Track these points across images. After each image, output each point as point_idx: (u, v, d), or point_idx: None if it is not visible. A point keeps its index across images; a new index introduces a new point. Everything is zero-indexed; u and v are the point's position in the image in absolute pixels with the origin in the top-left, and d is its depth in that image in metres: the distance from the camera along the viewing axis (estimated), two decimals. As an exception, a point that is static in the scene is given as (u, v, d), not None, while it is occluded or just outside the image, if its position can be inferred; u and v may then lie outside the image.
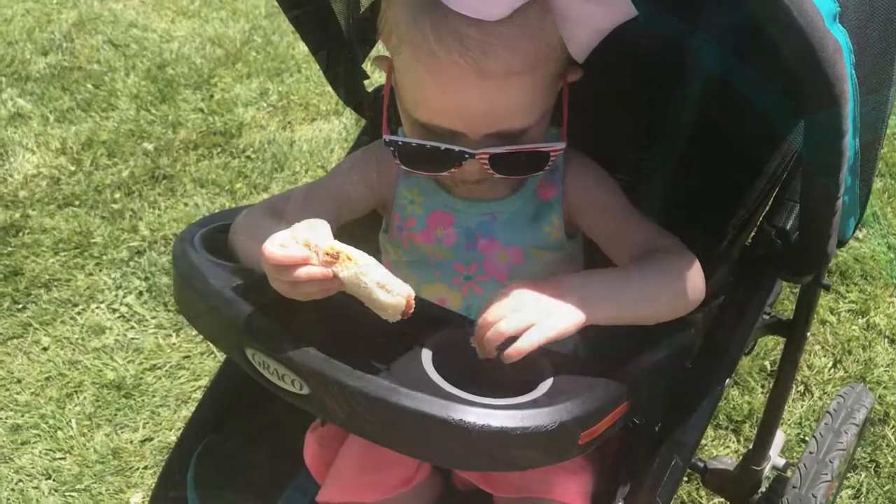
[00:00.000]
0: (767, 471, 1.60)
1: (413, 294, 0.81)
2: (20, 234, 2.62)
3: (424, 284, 1.06)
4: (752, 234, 1.10)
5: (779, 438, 1.61)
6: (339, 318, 0.84)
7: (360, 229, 1.12)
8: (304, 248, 0.80)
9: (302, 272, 0.80)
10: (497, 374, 0.83)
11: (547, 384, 0.83)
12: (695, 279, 0.96)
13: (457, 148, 0.95)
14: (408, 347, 0.85)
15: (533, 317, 0.83)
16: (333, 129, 3.04)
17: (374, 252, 0.90)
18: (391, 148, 0.99)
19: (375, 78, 1.38)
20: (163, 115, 3.08)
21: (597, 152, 1.08)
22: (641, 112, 1.13)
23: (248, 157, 2.91)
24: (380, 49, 1.19)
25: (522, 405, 0.79)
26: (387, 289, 0.79)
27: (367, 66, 1.32)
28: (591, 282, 0.92)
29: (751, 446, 1.58)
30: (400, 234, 1.10)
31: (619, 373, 0.88)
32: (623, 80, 1.10)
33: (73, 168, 2.87)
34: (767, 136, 1.08)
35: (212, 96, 3.19)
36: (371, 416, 0.79)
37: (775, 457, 1.62)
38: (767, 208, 1.07)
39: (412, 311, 0.81)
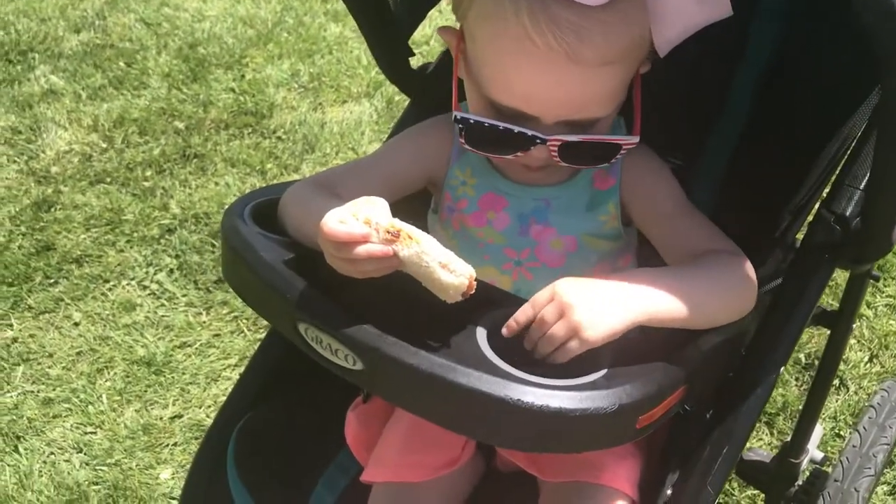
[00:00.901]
0: (805, 464, 1.57)
1: (474, 274, 0.79)
2: (52, 209, 2.63)
3: (474, 268, 1.04)
4: (809, 220, 1.08)
5: (817, 432, 1.58)
6: (394, 294, 0.83)
7: (407, 208, 1.11)
8: (365, 225, 0.79)
9: (362, 250, 0.78)
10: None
11: (605, 367, 0.81)
12: (751, 288, 0.94)
13: (529, 132, 0.92)
14: (463, 326, 0.84)
15: (580, 320, 0.81)
16: (364, 111, 3.02)
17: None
18: (459, 126, 0.96)
19: (425, 51, 1.36)
20: (194, 95, 3.08)
21: (650, 132, 1.06)
22: (698, 92, 1.10)
23: (279, 138, 2.91)
24: (437, 19, 1.17)
25: (582, 386, 0.77)
26: (449, 268, 0.78)
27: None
28: (646, 279, 0.88)
29: (788, 438, 1.56)
30: (450, 216, 1.08)
31: (677, 357, 0.86)
32: (681, 59, 1.07)
33: (104, 145, 2.87)
34: (826, 119, 1.06)
35: (243, 76, 3.18)
36: (426, 394, 0.77)
37: (813, 450, 1.60)
38: (825, 194, 1.04)
39: (473, 292, 0.79)
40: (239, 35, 3.38)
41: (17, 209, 2.62)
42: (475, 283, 0.80)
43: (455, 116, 0.96)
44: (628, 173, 1.04)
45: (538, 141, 0.93)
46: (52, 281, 2.41)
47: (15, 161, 2.83)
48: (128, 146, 2.87)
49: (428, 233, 0.81)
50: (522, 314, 0.85)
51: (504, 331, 0.84)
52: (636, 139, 0.96)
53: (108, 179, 2.74)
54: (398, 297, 0.83)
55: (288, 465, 1.14)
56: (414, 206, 1.12)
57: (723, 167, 1.16)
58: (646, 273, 0.91)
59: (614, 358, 0.82)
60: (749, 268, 0.94)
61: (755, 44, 1.06)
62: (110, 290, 2.39)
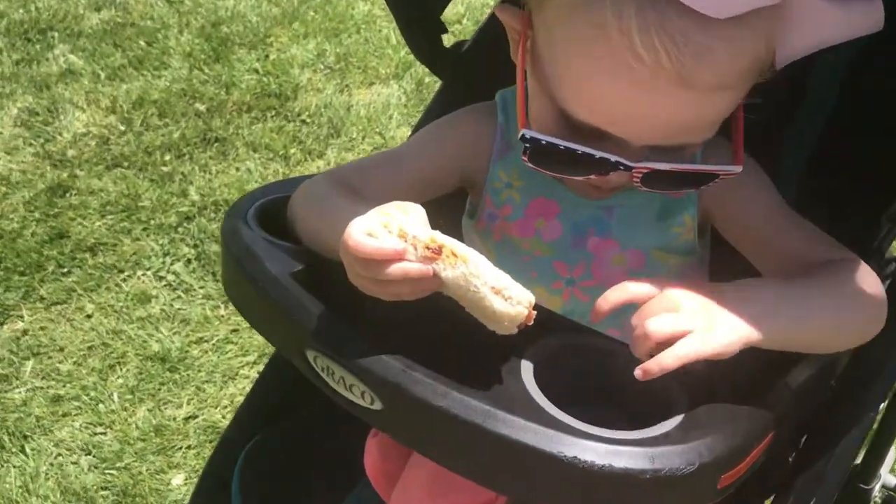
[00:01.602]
0: (877, 490, 1.42)
1: (534, 301, 0.65)
2: (67, 194, 2.52)
3: None
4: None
5: (891, 455, 1.43)
6: (424, 318, 0.68)
7: (435, 210, 0.97)
8: (399, 239, 0.64)
9: (396, 269, 0.64)
10: (618, 397, 0.67)
11: (681, 412, 0.66)
12: (882, 305, 0.78)
13: (613, 158, 0.75)
14: (505, 358, 0.69)
15: (691, 323, 0.66)
16: (392, 93, 2.87)
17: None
18: (526, 145, 0.78)
19: (457, 31, 1.21)
20: (216, 75, 2.95)
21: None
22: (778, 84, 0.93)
23: (304, 122, 2.77)
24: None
25: (653, 440, 0.62)
26: (504, 295, 0.63)
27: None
28: (763, 293, 0.73)
29: (857, 462, 1.40)
30: (491, 224, 0.93)
31: (762, 398, 0.71)
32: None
33: (122, 128, 2.76)
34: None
35: (267, 56, 3.05)
36: (458, 444, 0.63)
37: (886, 475, 1.45)
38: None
39: (531, 323, 0.65)
40: (263, 13, 3.25)
41: (32, 194, 2.52)
42: (534, 312, 0.65)
43: (523, 135, 0.78)
44: None
45: (621, 167, 0.76)
46: (64, 270, 2.30)
47: (31, 144, 2.73)
48: (147, 129, 2.75)
49: (462, 241, 0.67)
50: (617, 292, 0.69)
51: (591, 317, 0.70)
52: (738, 169, 0.79)
53: (126, 164, 2.63)
54: (429, 322, 0.69)
55: (301, 497, 1.01)
56: (442, 207, 0.98)
57: (803, 164, 0.99)
58: (764, 285, 0.76)
59: (690, 400, 0.67)
60: (877, 282, 0.79)
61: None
62: (125, 280, 2.28)
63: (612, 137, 0.75)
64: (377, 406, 0.66)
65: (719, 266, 0.94)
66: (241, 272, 0.74)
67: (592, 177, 0.79)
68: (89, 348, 2.11)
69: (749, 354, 0.70)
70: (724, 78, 0.70)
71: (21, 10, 3.30)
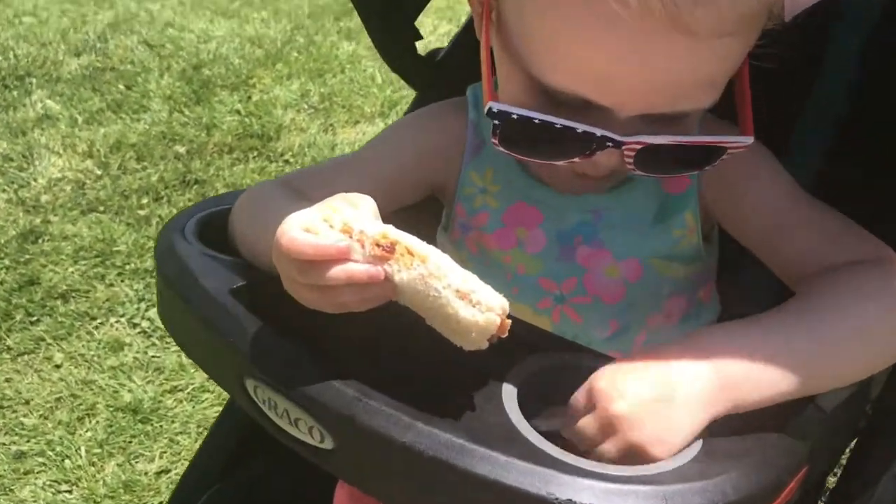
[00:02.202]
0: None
1: (507, 308, 0.53)
2: (40, 240, 2.42)
3: None
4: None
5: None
6: (383, 336, 0.57)
7: (412, 224, 0.86)
8: (343, 234, 0.53)
9: (339, 271, 0.53)
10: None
11: (697, 443, 0.55)
12: None
13: (598, 132, 0.64)
14: (482, 382, 0.57)
15: (639, 439, 0.55)
16: (378, 131, 2.79)
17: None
18: (495, 121, 0.67)
19: (429, 39, 1.13)
20: (197, 117, 2.88)
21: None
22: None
23: (287, 161, 2.69)
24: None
25: (663, 477, 0.51)
26: (471, 300, 0.52)
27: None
28: (745, 342, 0.60)
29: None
30: (465, 235, 0.82)
31: (793, 422, 0.59)
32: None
33: (99, 172, 2.67)
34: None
35: (249, 98, 2.98)
36: (428, 487, 0.51)
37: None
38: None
39: (505, 335, 0.53)
40: (246, 55, 3.19)
41: (2, 241, 2.42)
42: (508, 321, 0.54)
43: (490, 109, 0.66)
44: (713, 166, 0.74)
45: (609, 144, 0.65)
46: (34, 319, 2.19)
47: (4, 190, 2.64)
48: (124, 173, 2.67)
49: None
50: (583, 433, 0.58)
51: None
52: (749, 140, 0.68)
53: (101, 208, 2.53)
54: (390, 339, 0.57)
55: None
56: (421, 220, 0.87)
57: (815, 167, 0.89)
58: (743, 330, 0.62)
59: (710, 429, 0.56)
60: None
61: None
62: (97, 328, 2.16)
63: (597, 110, 0.64)
64: (328, 444, 0.54)
65: (722, 273, 0.83)
66: (171, 289, 0.63)
67: (576, 160, 0.67)
68: (57, 400, 1.99)
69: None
70: (723, 22, 0.58)
71: (0, 58, 3.25)
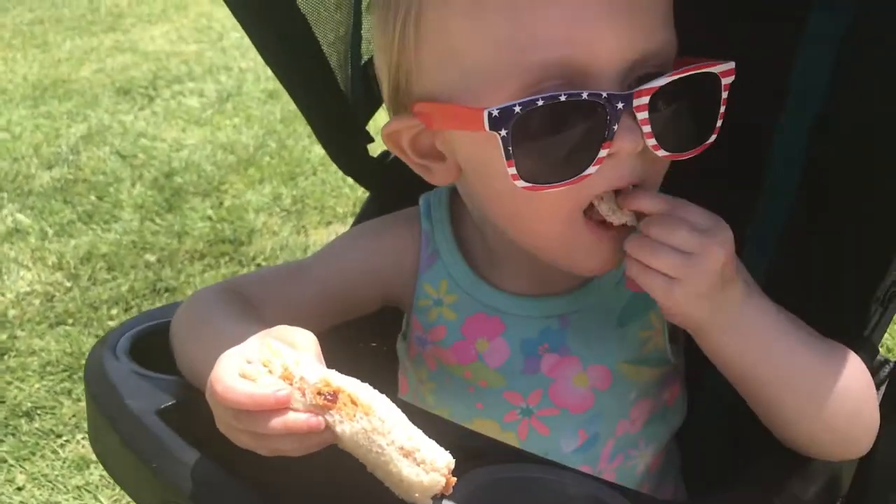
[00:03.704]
0: None
1: (453, 465, 0.52)
2: (5, 357, 2.37)
3: (461, 422, 0.72)
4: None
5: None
6: (315, 461, 0.54)
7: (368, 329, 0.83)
8: (283, 381, 0.52)
9: (277, 423, 0.51)
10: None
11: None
12: (868, 401, 0.67)
13: (604, 93, 0.60)
14: None
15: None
16: (350, 231, 2.80)
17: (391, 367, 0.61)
18: (502, 133, 0.61)
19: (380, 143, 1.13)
20: (168, 225, 2.87)
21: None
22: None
23: (259, 265, 2.67)
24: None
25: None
26: (416, 458, 0.51)
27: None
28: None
29: None
30: (422, 350, 0.79)
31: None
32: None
33: (69, 284, 2.64)
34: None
35: (221, 203, 2.99)
36: None
37: None
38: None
39: (451, 492, 0.51)
40: (218, 162, 3.22)
41: (-33, 360, 2.36)
42: (453, 479, 0.52)
43: (489, 113, 0.61)
44: None
45: (620, 104, 0.60)
46: (-4, 439, 2.11)
47: (-29, 307, 2.59)
48: (94, 283, 2.64)
49: (399, 366, 0.54)
50: None
51: None
52: (731, 64, 0.65)
53: (70, 321, 2.49)
54: (322, 465, 0.54)
55: None
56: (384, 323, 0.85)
57: (779, 229, 0.86)
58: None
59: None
60: (865, 376, 0.68)
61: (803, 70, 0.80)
62: (62, 446, 2.09)
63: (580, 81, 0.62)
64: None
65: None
66: (97, 410, 0.60)
67: (604, 151, 0.62)
68: (17, 525, 1.90)
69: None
70: None
71: (-29, 177, 3.26)
